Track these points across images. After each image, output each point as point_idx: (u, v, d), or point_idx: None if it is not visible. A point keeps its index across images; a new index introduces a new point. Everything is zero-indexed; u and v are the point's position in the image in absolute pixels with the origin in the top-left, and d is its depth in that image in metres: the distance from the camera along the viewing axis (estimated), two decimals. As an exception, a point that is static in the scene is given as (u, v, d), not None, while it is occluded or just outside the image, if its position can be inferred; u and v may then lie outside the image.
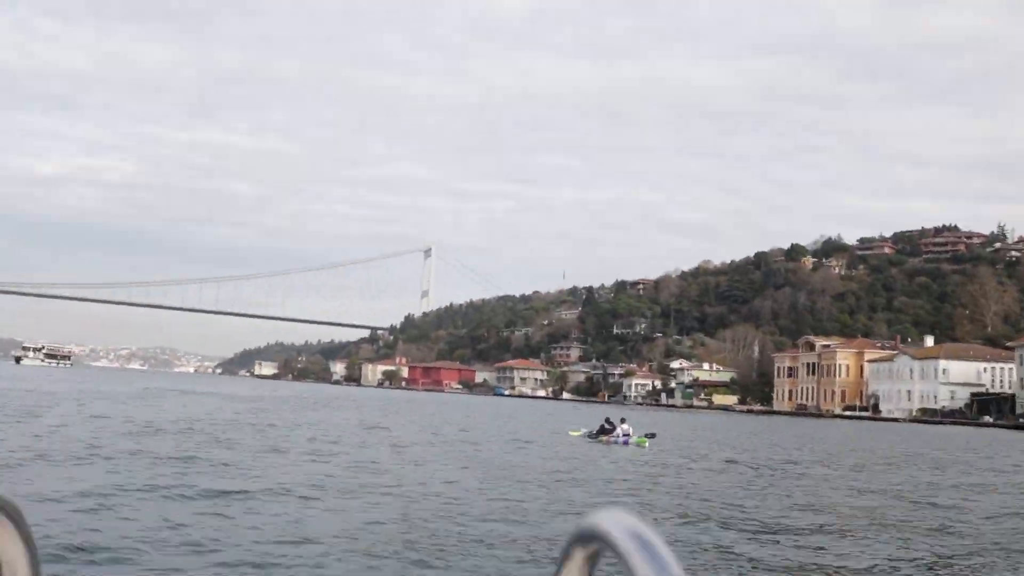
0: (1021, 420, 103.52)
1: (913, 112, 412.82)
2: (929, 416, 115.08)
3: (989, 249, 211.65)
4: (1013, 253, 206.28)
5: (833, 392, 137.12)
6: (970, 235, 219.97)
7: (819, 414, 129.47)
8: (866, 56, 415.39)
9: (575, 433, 44.54)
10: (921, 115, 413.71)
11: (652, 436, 39.74)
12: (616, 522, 1.08)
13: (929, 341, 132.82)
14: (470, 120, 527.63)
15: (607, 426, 42.24)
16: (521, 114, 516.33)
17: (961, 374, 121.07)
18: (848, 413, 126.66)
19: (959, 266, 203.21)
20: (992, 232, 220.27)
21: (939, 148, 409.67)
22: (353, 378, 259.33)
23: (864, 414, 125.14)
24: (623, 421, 41.81)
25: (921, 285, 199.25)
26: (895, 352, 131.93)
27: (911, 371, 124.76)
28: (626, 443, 39.14)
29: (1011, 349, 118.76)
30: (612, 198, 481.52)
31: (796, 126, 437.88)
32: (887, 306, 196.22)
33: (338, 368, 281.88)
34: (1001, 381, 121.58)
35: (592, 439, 41.65)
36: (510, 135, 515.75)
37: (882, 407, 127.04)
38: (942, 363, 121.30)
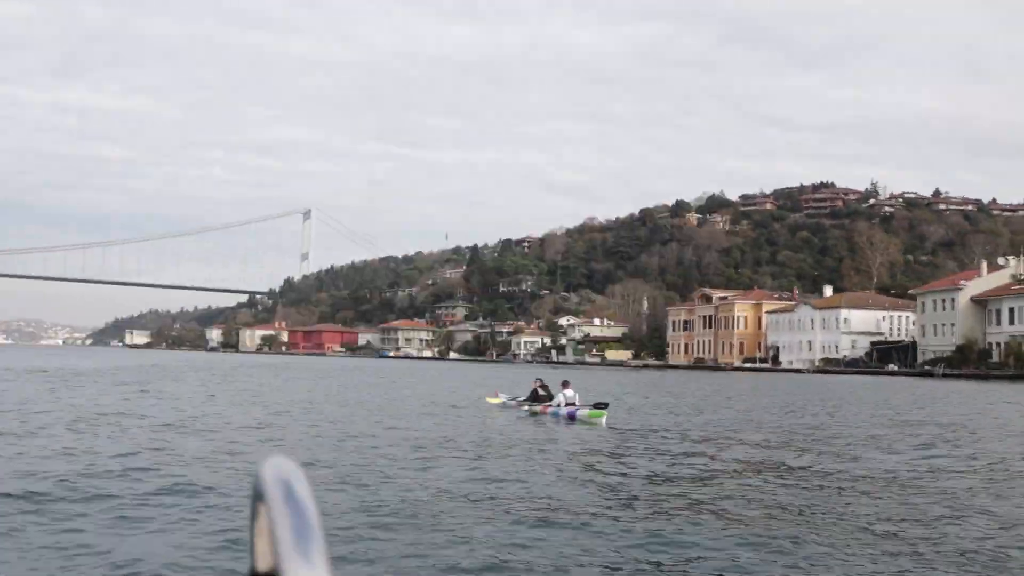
0: (927, 368, 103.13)
1: (787, 78, 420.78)
2: (832, 366, 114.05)
3: (865, 205, 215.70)
4: (887, 208, 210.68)
5: (731, 345, 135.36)
6: (847, 191, 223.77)
7: (718, 367, 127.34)
8: (743, 23, 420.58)
9: (494, 400, 35.23)
10: (794, 81, 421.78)
11: (604, 407, 28.19)
12: (272, 472, 1.07)
13: (828, 291, 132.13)
14: (352, 82, 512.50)
15: (540, 391, 32.40)
16: (403, 76, 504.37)
17: (861, 323, 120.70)
18: (748, 365, 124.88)
19: (838, 221, 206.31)
20: (866, 189, 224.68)
21: (811, 113, 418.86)
22: (231, 344, 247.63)
23: (764, 366, 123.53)
24: (565, 385, 30.53)
25: (803, 239, 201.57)
26: (794, 303, 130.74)
27: (812, 321, 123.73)
28: (572, 417, 28.53)
29: (912, 298, 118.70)
30: (495, 159, 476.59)
31: (676, 90, 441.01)
32: (771, 260, 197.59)
33: (214, 335, 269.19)
34: (899, 329, 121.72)
35: (521, 408, 32.16)
36: (392, 97, 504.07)
37: (782, 358, 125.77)
38: (843, 313, 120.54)
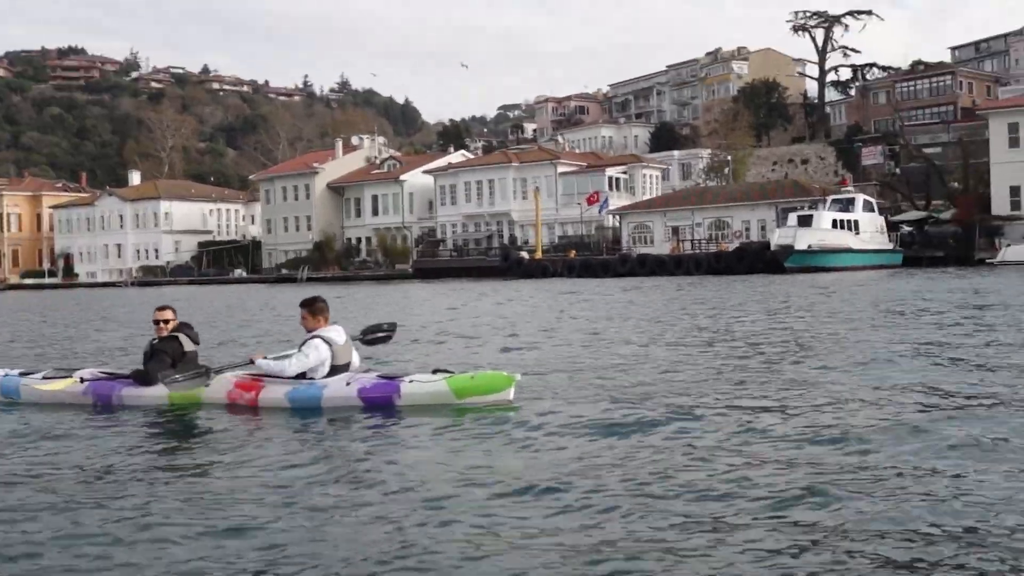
0: (285, 272, 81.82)
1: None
2: (156, 276, 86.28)
3: (128, 78, 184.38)
4: (155, 84, 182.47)
5: (2, 254, 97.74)
6: (103, 60, 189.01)
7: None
8: None
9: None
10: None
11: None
12: None
13: (135, 178, 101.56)
14: None
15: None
16: None
17: (185, 220, 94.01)
18: (30, 281, 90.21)
19: (97, 96, 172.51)
20: (126, 59, 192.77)
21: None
22: None
23: (53, 280, 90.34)
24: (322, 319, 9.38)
25: (55, 117, 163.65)
26: (92, 194, 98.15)
27: (121, 218, 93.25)
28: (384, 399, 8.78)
29: (246, 189, 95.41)
30: None
31: None
32: (14, 143, 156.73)
33: None
34: (228, 226, 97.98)
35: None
36: None
37: (79, 269, 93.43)
38: (163, 205, 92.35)
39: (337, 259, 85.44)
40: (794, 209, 61.52)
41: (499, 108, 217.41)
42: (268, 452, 7.10)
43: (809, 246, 51.62)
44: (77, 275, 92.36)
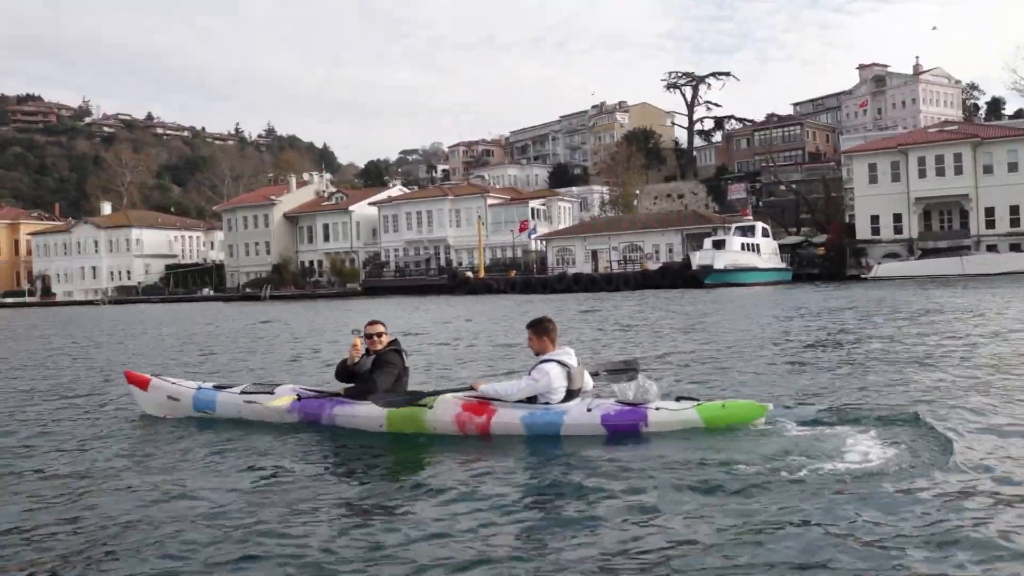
0: (249, 290, 76.85)
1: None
2: (129, 295, 79.83)
3: (82, 123, 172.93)
4: (107, 128, 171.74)
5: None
6: (59, 107, 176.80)
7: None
8: None
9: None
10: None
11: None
12: None
13: (107, 209, 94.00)
14: None
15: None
16: None
17: (154, 245, 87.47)
18: (11, 300, 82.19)
19: (55, 138, 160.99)
20: (79, 106, 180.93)
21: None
22: None
23: (33, 300, 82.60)
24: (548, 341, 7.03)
25: (17, 156, 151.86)
26: (66, 222, 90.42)
27: (96, 243, 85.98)
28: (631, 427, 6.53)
29: (204, 219, 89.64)
30: None
31: None
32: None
33: None
34: (191, 251, 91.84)
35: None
36: None
37: (57, 289, 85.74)
38: (135, 233, 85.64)
39: (294, 279, 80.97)
40: (699, 235, 61.10)
41: (400, 152, 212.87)
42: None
43: (724, 266, 50.96)
44: (55, 294, 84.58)
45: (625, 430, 6.55)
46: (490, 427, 6.72)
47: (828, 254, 58.71)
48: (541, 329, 6.98)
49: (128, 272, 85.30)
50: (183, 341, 20.58)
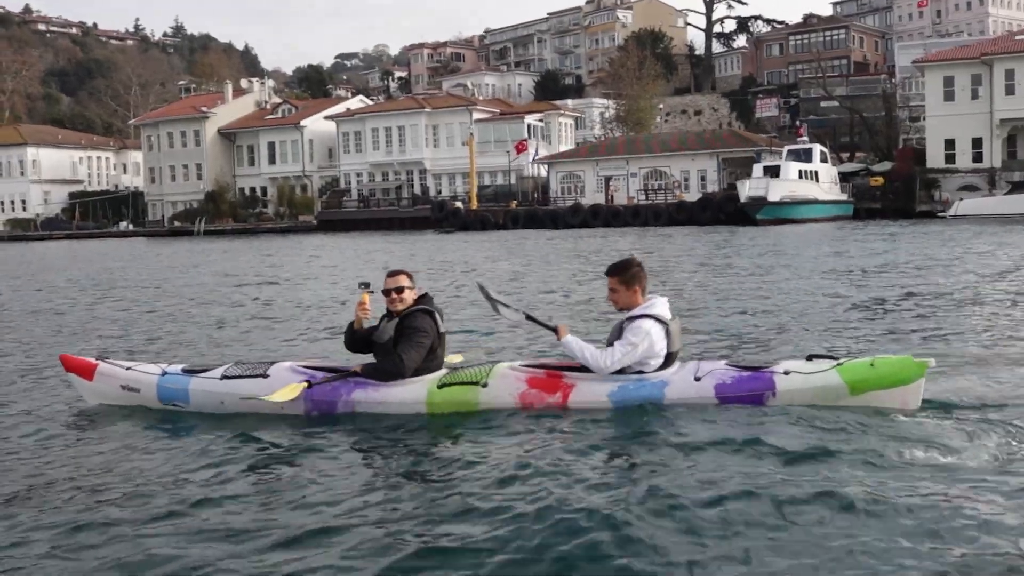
0: (178, 224, 74.74)
1: None
2: (26, 229, 77.12)
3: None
4: (41, 26, 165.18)
5: None
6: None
7: None
8: None
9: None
10: None
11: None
12: None
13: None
14: None
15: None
16: None
17: (54, 168, 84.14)
18: None
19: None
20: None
21: None
22: None
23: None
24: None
25: None
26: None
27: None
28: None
29: (113, 135, 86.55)
30: None
31: None
32: None
33: None
34: (99, 176, 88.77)
35: None
36: None
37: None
38: (30, 152, 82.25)
39: (233, 211, 78.80)
40: (738, 160, 60.41)
41: (336, 57, 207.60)
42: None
43: (780, 198, 50.38)
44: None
45: (746, 403, 5.97)
46: (567, 406, 6.11)
47: (891, 185, 58.42)
48: (631, 276, 6.20)
49: (23, 202, 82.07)
50: (110, 297, 18.52)
